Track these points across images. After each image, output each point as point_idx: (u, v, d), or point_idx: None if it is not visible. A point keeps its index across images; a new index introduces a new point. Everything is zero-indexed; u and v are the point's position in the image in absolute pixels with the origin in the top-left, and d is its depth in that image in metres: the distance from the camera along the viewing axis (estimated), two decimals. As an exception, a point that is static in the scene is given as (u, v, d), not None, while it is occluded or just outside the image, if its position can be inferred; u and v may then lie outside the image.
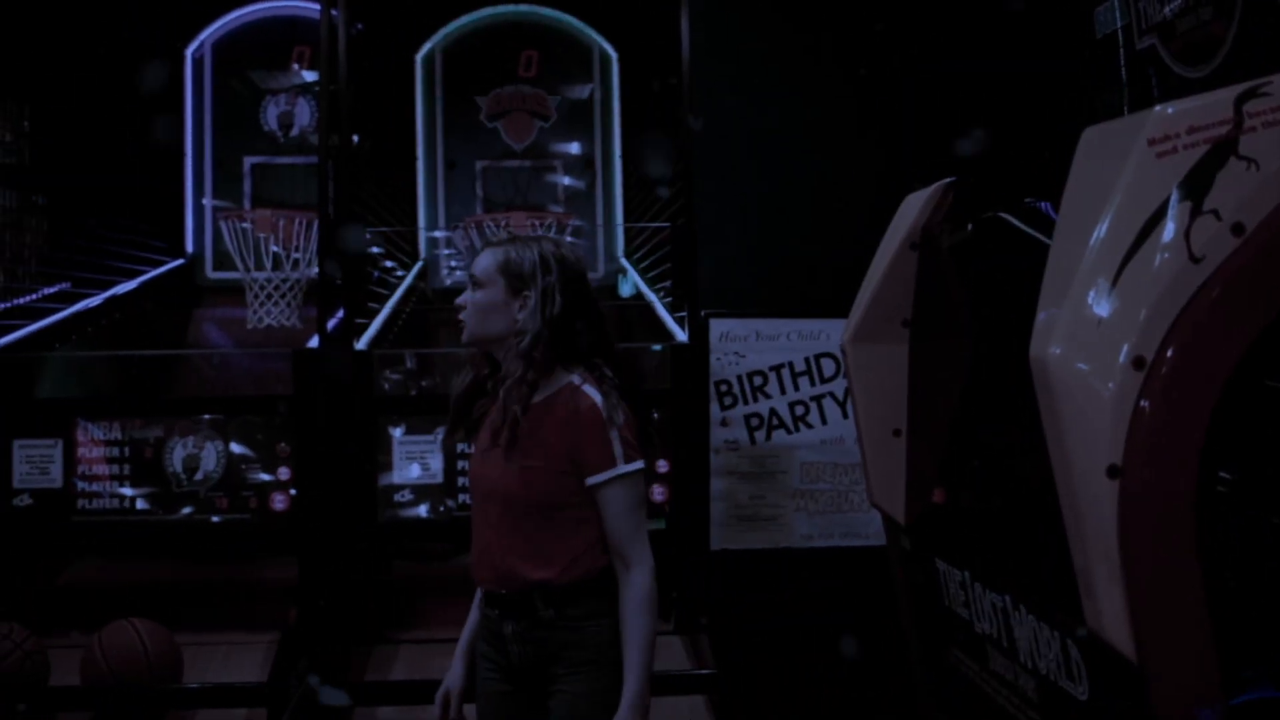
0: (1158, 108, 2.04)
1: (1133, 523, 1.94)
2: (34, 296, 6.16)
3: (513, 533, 2.94)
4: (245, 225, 7.40)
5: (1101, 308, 1.99)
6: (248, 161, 8.33)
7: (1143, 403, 1.94)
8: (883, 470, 3.39)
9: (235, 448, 5.35)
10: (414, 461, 5.39)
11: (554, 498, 2.91)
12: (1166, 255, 1.97)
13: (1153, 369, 1.94)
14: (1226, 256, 1.96)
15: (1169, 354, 1.94)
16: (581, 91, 8.54)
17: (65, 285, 6.45)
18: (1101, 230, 2.03)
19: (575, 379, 2.96)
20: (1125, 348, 1.96)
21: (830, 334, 5.44)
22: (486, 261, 3.01)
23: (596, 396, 2.93)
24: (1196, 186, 1.98)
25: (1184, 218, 1.98)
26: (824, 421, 5.52)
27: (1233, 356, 1.95)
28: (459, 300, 3.02)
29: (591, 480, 2.90)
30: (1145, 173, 2.02)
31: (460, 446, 5.25)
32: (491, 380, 3.07)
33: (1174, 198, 1.99)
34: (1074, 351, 2.00)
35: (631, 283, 7.54)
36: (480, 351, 3.08)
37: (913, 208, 3.31)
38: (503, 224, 7.56)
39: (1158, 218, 1.99)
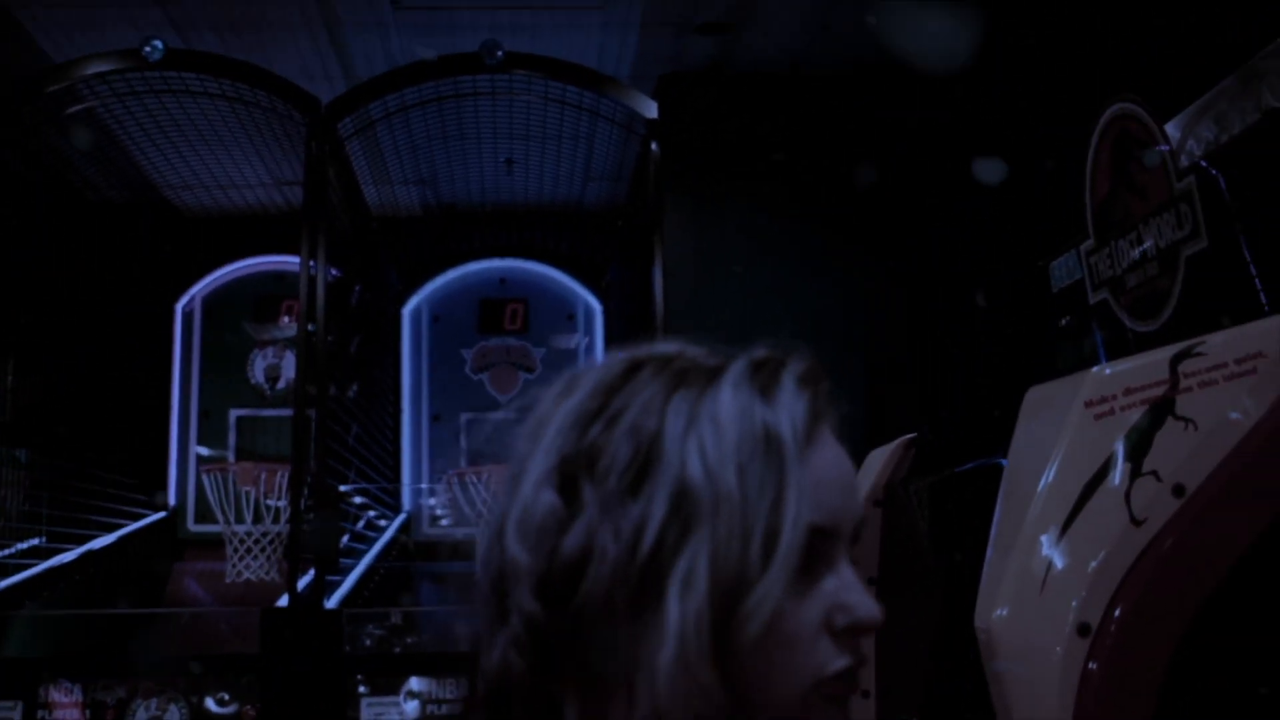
0: (1094, 369, 2.04)
1: (1086, 798, 1.85)
2: (8, 552, 6.09)
3: None
4: (228, 478, 7.37)
5: (1045, 571, 1.95)
6: (233, 414, 8.39)
7: (1090, 665, 1.88)
8: (853, 734, 3.28)
9: (200, 707, 5.20)
10: (382, 721, 5.24)
11: None
12: (1108, 518, 1.93)
13: (1098, 635, 1.88)
14: (1169, 519, 1.91)
15: (1115, 617, 1.89)
16: (566, 342, 8.65)
17: (39, 540, 6.39)
18: (1043, 492, 2.00)
19: None
20: (1070, 613, 1.91)
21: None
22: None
23: None
24: (1135, 448, 1.96)
25: (1124, 479, 1.95)
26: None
27: (1181, 621, 1.89)
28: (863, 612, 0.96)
29: None
30: (1084, 434, 2.00)
31: None
32: None
33: (1113, 459, 1.96)
34: (1019, 616, 1.95)
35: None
36: None
37: (875, 463, 3.28)
38: (484, 477, 7.54)
39: (1098, 480, 1.96)
